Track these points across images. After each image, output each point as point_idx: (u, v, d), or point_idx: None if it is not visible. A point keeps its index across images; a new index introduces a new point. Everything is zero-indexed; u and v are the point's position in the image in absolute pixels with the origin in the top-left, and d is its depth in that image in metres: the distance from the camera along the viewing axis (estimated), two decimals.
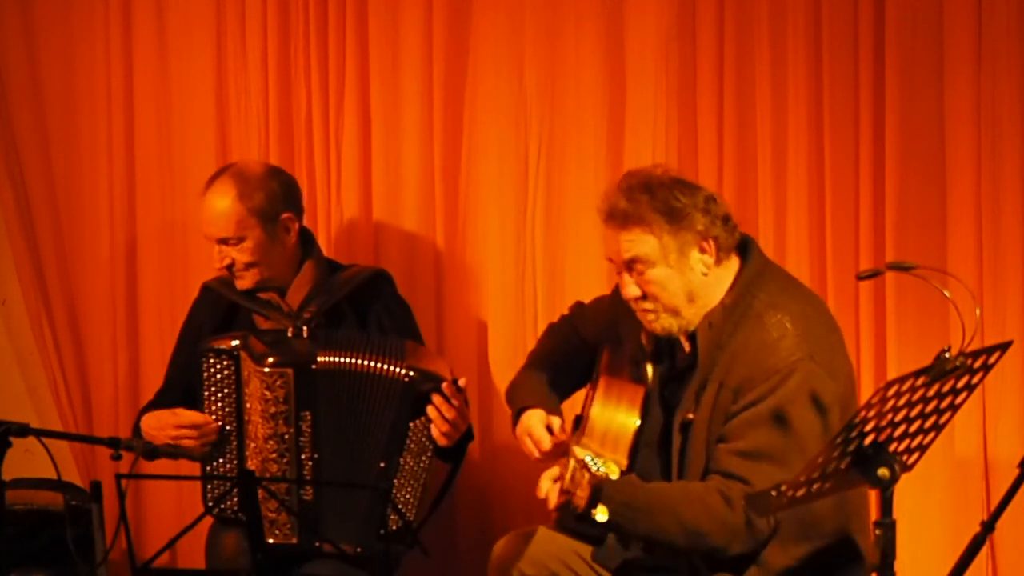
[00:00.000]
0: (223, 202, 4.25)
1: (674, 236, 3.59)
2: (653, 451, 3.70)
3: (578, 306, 4.12)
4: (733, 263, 3.67)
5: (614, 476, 3.44)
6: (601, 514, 3.40)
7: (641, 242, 3.60)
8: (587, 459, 3.44)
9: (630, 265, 3.63)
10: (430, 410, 4.07)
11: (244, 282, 4.30)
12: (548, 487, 3.57)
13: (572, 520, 3.65)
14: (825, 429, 3.52)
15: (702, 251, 3.61)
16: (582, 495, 3.44)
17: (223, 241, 4.27)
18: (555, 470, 3.60)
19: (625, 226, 3.61)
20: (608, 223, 3.65)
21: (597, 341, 3.93)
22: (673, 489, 3.58)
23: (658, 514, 3.51)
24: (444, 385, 4.07)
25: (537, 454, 3.82)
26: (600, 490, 3.42)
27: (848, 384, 3.63)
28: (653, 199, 3.59)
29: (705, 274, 3.62)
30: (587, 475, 3.40)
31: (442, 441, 4.09)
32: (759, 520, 3.50)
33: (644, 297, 3.64)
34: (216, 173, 4.33)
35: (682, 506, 3.51)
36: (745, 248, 3.69)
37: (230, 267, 4.28)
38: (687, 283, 3.62)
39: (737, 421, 3.54)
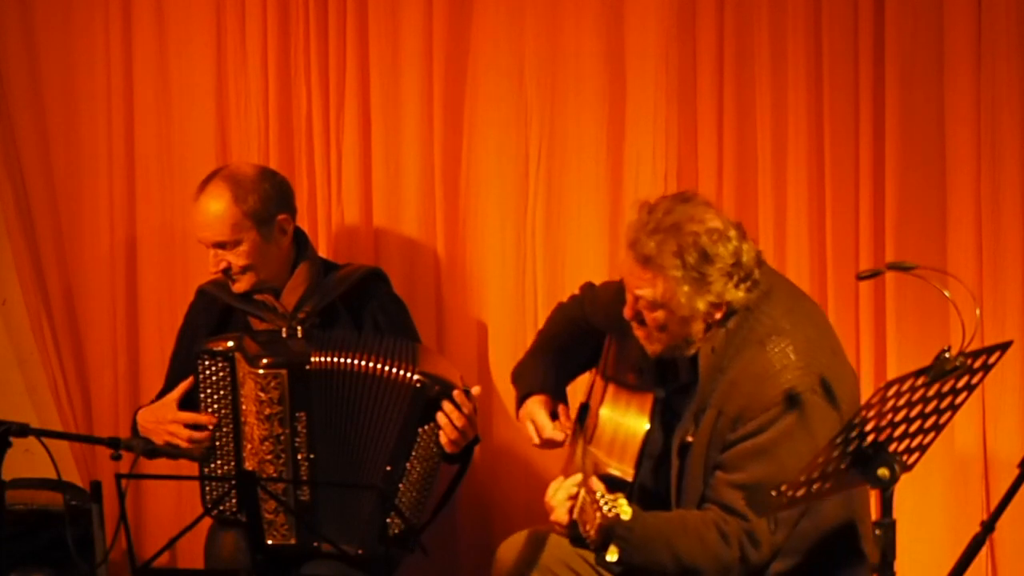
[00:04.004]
0: (218, 206, 4.23)
1: (688, 299, 3.49)
2: (652, 466, 3.68)
3: (589, 287, 4.08)
4: None
5: (625, 517, 3.37)
6: (611, 555, 3.37)
7: (652, 288, 3.51)
8: (598, 496, 3.41)
9: (637, 298, 3.56)
10: (440, 417, 4.06)
11: (240, 285, 4.29)
12: (561, 500, 3.57)
13: (577, 541, 3.66)
14: None
15: (711, 312, 3.52)
16: (592, 532, 3.41)
17: (219, 245, 4.25)
18: (571, 487, 3.60)
19: (643, 266, 3.51)
20: (628, 251, 3.54)
21: (604, 328, 3.91)
22: (671, 522, 3.53)
23: (655, 548, 3.48)
24: (455, 392, 4.06)
25: (538, 440, 3.85)
26: (612, 533, 3.36)
27: (850, 407, 3.53)
28: (679, 256, 3.46)
29: (709, 327, 3.55)
30: (599, 516, 3.36)
31: (450, 448, 4.08)
32: (755, 555, 3.48)
33: (641, 323, 3.59)
34: (208, 177, 4.31)
35: (679, 540, 3.48)
36: None
37: (226, 271, 4.27)
38: (687, 332, 3.55)
39: (736, 451, 3.50)
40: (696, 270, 3.47)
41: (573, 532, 3.62)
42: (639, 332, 3.61)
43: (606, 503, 3.37)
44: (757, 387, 3.49)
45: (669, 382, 3.71)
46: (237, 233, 4.23)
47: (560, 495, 3.60)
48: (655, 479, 3.67)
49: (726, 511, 3.49)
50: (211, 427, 4.16)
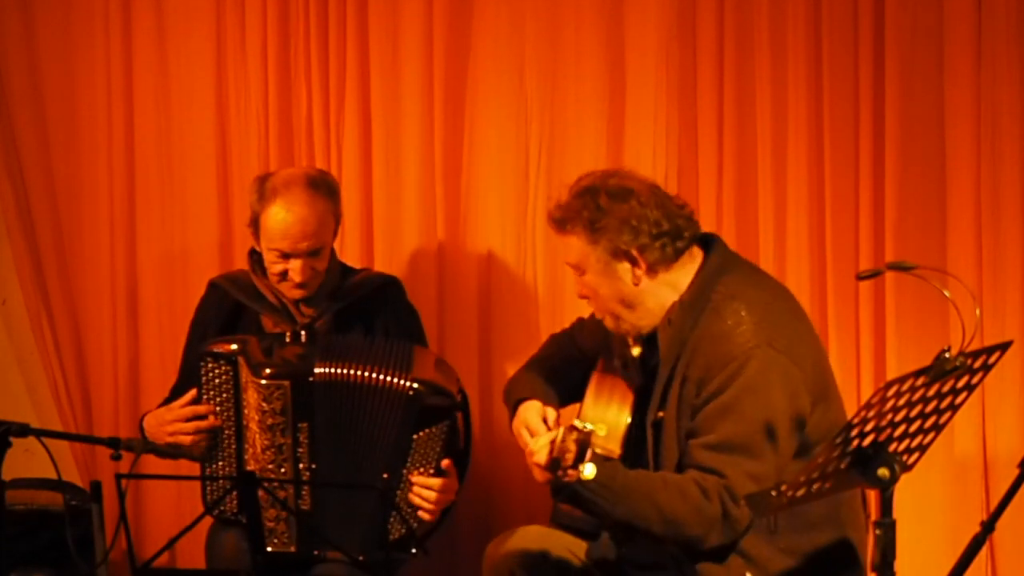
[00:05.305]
0: (320, 212, 4.12)
1: (594, 247, 3.63)
2: (632, 455, 3.69)
3: (578, 320, 4.13)
4: (694, 262, 3.68)
5: (601, 433, 3.47)
6: (589, 468, 3.39)
7: (571, 248, 3.68)
8: (575, 423, 3.44)
9: (572, 269, 3.71)
10: (413, 497, 4.06)
11: (308, 290, 4.20)
12: (542, 445, 3.55)
13: (560, 491, 3.61)
14: (793, 415, 3.54)
15: (632, 263, 3.63)
16: (570, 455, 3.41)
17: (314, 253, 4.15)
18: (551, 433, 3.61)
19: (559, 231, 3.69)
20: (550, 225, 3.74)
21: (593, 353, 3.94)
22: (652, 476, 3.60)
23: (637, 499, 3.52)
24: (417, 477, 4.06)
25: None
26: (587, 445, 3.39)
27: (816, 371, 3.62)
28: (580, 209, 3.64)
29: (636, 284, 3.64)
30: (575, 434, 3.40)
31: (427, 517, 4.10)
32: (736, 510, 3.51)
33: (586, 297, 3.72)
34: (281, 184, 4.13)
35: (661, 493, 3.53)
36: (708, 245, 3.71)
37: (307, 280, 4.16)
38: (618, 292, 3.66)
39: (703, 414, 3.56)
40: (591, 218, 3.62)
41: (554, 474, 3.55)
42: (592, 308, 3.75)
43: (581, 424, 3.40)
44: (714, 347, 3.57)
45: (643, 369, 3.75)
46: (328, 237, 4.17)
47: (542, 440, 3.59)
48: (633, 464, 3.68)
49: (703, 471, 3.53)
50: (211, 416, 4.12)
